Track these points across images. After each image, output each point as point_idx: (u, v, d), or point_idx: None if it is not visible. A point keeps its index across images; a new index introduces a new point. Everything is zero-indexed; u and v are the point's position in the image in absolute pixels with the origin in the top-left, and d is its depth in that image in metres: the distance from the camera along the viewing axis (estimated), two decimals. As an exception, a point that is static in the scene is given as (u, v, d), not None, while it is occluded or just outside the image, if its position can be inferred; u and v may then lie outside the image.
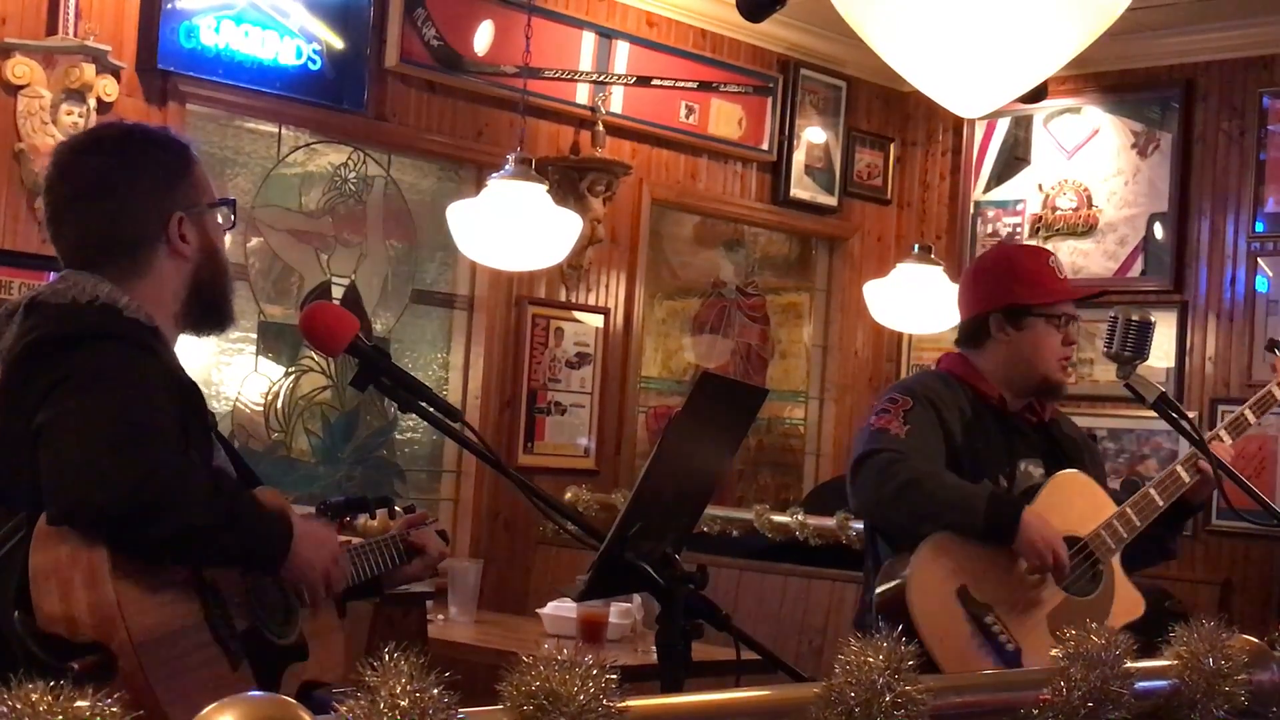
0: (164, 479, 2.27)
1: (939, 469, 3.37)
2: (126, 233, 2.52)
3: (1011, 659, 3.28)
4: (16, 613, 2.22)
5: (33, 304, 2.46)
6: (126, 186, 2.53)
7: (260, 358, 6.08)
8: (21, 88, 5.13)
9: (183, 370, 2.52)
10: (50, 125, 5.15)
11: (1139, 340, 3.46)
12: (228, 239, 2.72)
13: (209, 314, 2.63)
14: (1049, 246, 7.56)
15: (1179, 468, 3.47)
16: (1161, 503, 3.43)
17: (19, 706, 0.97)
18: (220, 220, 2.64)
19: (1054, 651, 1.76)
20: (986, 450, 3.46)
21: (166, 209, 2.53)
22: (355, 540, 2.82)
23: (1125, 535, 3.41)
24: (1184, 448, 6.88)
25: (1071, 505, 3.43)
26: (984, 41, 2.29)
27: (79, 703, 1.00)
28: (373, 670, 1.17)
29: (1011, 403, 3.55)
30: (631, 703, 1.30)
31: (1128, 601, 3.44)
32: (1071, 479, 3.48)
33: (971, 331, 3.59)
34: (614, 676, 1.31)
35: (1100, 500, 3.47)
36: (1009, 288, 3.53)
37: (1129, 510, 3.42)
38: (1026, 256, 3.75)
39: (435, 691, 1.17)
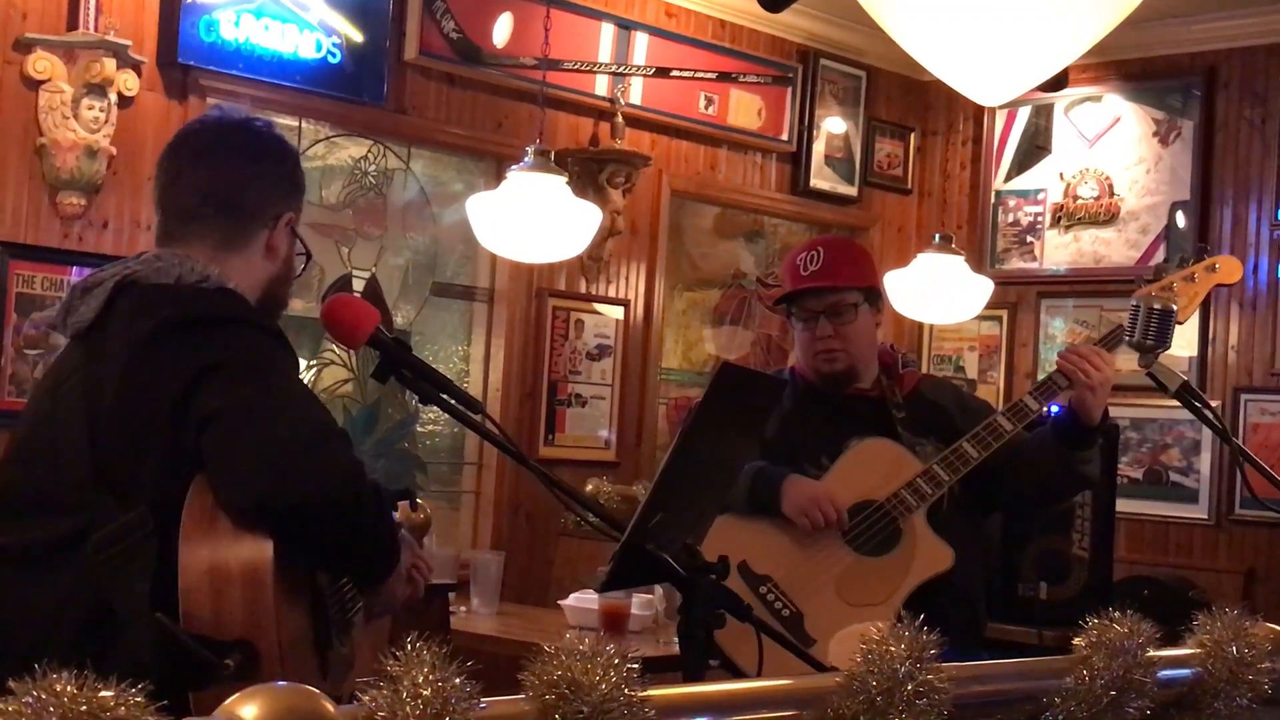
0: (355, 475, 2.22)
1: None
2: (250, 199, 2.47)
3: (790, 623, 3.37)
4: (158, 613, 2.10)
5: (126, 281, 2.35)
6: (271, 160, 2.52)
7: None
8: (43, 83, 5.15)
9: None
10: (71, 120, 5.16)
11: (1161, 329, 3.44)
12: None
13: None
14: (1070, 236, 7.59)
15: (999, 417, 3.47)
16: (976, 454, 3.43)
17: (44, 697, 0.98)
18: (295, 253, 2.57)
19: (1079, 640, 1.75)
20: (808, 437, 3.57)
21: (288, 203, 2.51)
22: None
23: (930, 491, 3.44)
24: (1208, 436, 6.89)
25: (871, 471, 3.49)
26: (1004, 30, 2.28)
27: (104, 693, 1.01)
28: (395, 660, 1.18)
29: (832, 388, 3.64)
30: (653, 692, 1.30)
31: (929, 557, 3.44)
32: (871, 446, 3.53)
33: None
34: (636, 666, 1.31)
35: (903, 463, 3.48)
36: (776, 295, 3.80)
37: (936, 467, 3.44)
38: (787, 256, 3.83)
39: (457, 681, 1.17)
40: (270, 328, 2.38)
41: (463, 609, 5.11)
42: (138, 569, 2.17)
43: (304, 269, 2.62)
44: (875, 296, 3.72)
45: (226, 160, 2.51)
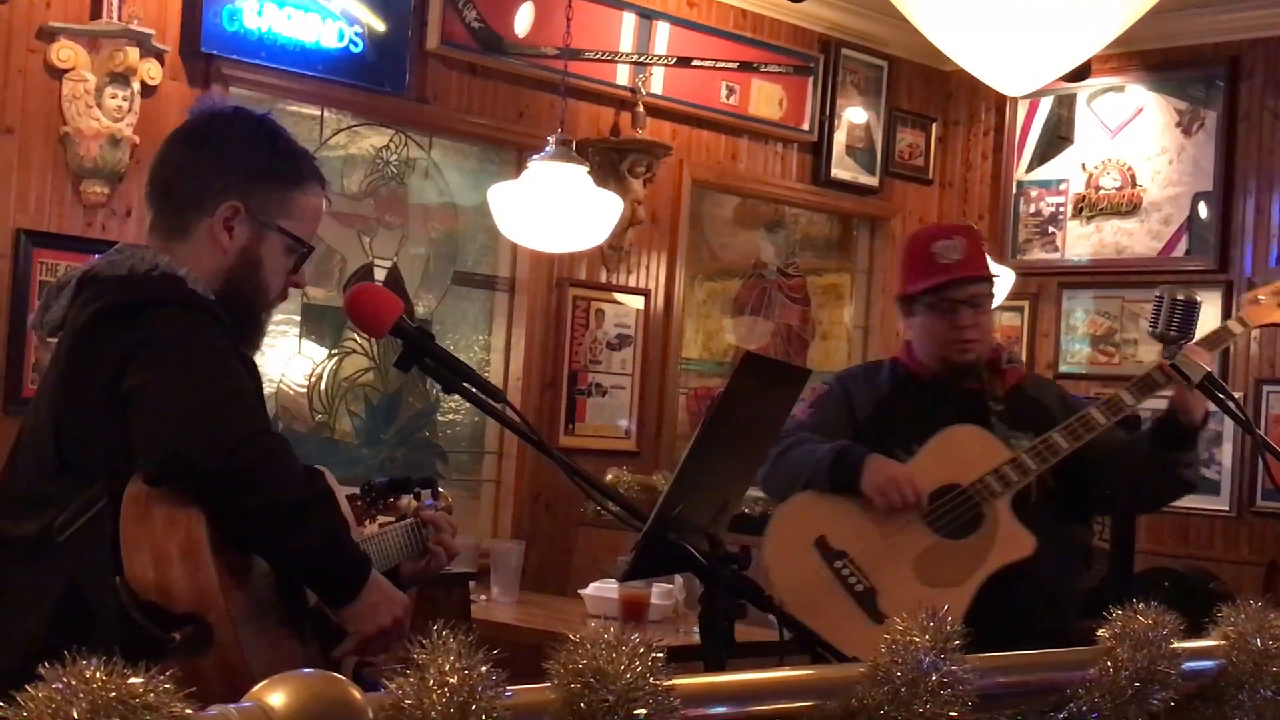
0: (263, 445, 2.25)
1: (810, 438, 3.53)
2: (182, 187, 2.49)
3: (864, 599, 3.39)
4: (118, 578, 2.18)
5: (87, 278, 2.42)
6: (208, 150, 2.51)
7: (304, 340, 6.11)
8: (66, 72, 5.17)
9: (242, 348, 2.51)
10: (95, 109, 5.17)
11: (1185, 320, 3.44)
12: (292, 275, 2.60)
13: (236, 324, 2.50)
14: (1092, 226, 7.56)
15: (1093, 409, 3.45)
16: (1066, 445, 3.42)
17: (74, 683, 0.98)
18: (283, 253, 2.53)
19: (1103, 632, 1.75)
20: (901, 424, 3.55)
21: (228, 193, 2.47)
22: (375, 528, 2.78)
23: (1016, 479, 3.42)
24: (1229, 427, 6.87)
25: (958, 456, 3.47)
26: (1028, 20, 2.27)
27: (132, 680, 1.01)
28: (421, 648, 1.18)
29: (940, 378, 3.61)
30: (678, 681, 1.30)
31: (1011, 542, 3.42)
32: (960, 434, 3.51)
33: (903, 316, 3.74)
34: (660, 655, 1.31)
35: (991, 450, 3.47)
36: (900, 278, 3.72)
37: (1024, 455, 3.42)
38: (911, 244, 3.81)
39: (484, 669, 1.17)
40: (201, 305, 2.39)
41: (483, 597, 5.12)
42: (96, 545, 2.23)
43: (299, 264, 2.57)
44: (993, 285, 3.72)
45: (170, 149, 2.55)
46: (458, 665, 1.16)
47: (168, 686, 1.02)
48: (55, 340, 2.46)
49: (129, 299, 2.36)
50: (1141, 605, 1.81)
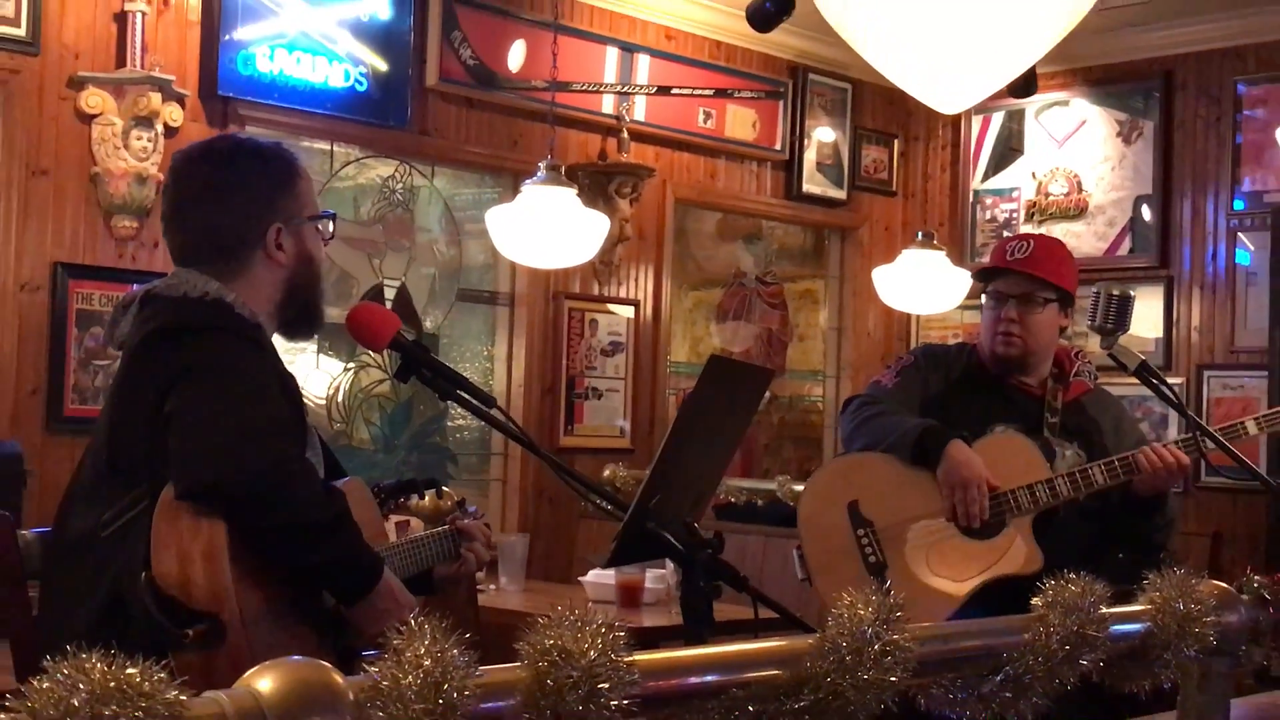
0: (286, 471, 2.29)
1: (900, 408, 3.46)
2: (227, 237, 2.52)
3: (874, 570, 3.34)
4: (144, 574, 2.22)
5: (148, 296, 2.48)
6: (230, 195, 2.53)
7: (321, 355, 6.12)
8: (95, 116, 5.18)
9: (282, 363, 2.54)
10: (122, 150, 5.18)
11: (1120, 313, 3.44)
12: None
13: (301, 318, 2.62)
14: (1043, 230, 7.55)
15: (1134, 456, 3.40)
16: (1101, 479, 3.37)
17: (74, 674, 0.99)
18: (320, 230, 2.62)
19: (1035, 600, 1.75)
20: (960, 408, 3.50)
21: (266, 219, 2.52)
22: (411, 535, 2.81)
23: (1046, 500, 3.37)
24: (1173, 415, 6.86)
25: (1001, 462, 3.41)
26: (958, 40, 2.28)
27: (129, 670, 1.02)
28: (398, 634, 1.19)
29: (1004, 375, 3.58)
30: (638, 657, 1.31)
31: (1020, 556, 3.38)
32: (1010, 440, 3.46)
33: None
34: (622, 634, 1.31)
35: (1034, 466, 3.42)
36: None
37: (1059, 480, 3.38)
38: (1001, 241, 3.86)
39: (454, 652, 1.18)
40: (244, 330, 2.43)
41: (491, 586, 5.12)
42: (135, 542, 2.26)
43: (331, 235, 2.66)
44: (1068, 301, 3.65)
45: (199, 207, 2.54)
46: (431, 648, 1.17)
47: (162, 676, 1.03)
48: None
49: (177, 322, 2.40)
50: (1073, 576, 1.81)
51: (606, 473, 6.35)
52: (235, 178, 2.56)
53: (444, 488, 3.30)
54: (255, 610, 2.26)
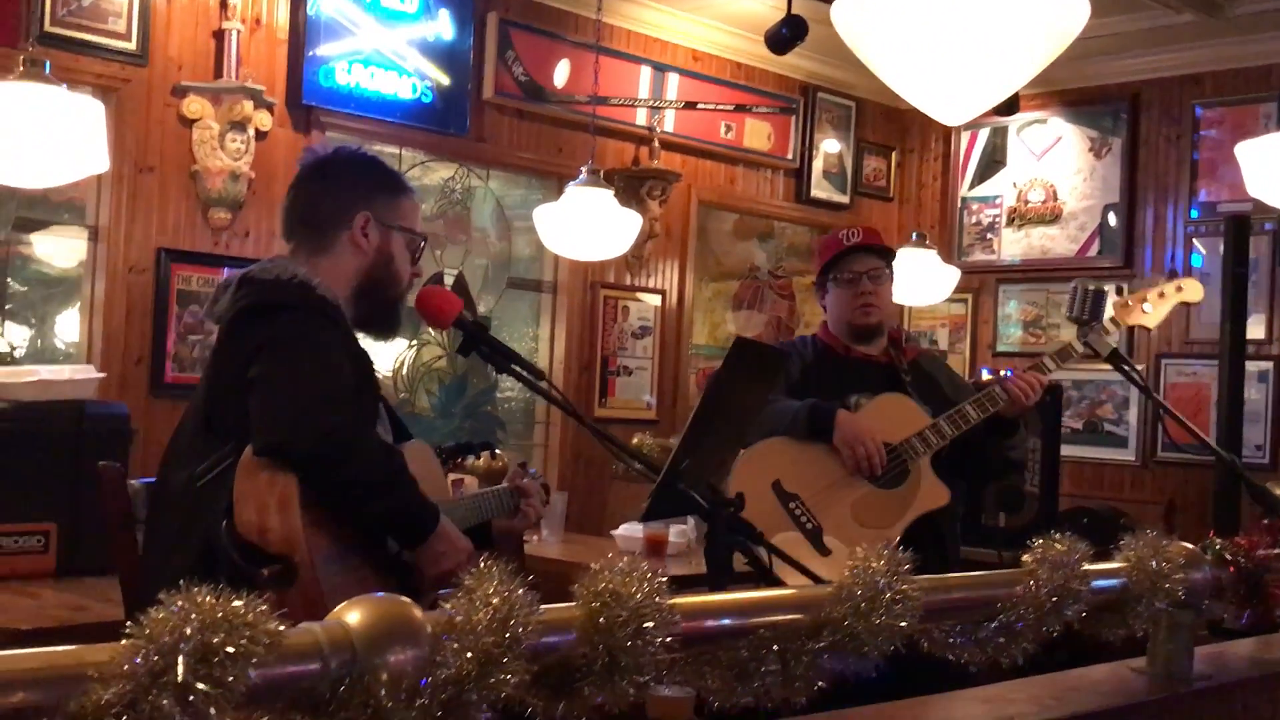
0: (350, 434, 2.28)
1: (779, 398, 3.41)
2: (321, 215, 2.52)
3: (812, 536, 3.30)
4: (225, 522, 2.23)
5: (245, 278, 2.48)
6: (335, 181, 2.55)
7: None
8: (195, 121, 5.17)
9: (357, 341, 2.52)
10: (219, 151, 5.18)
11: (1095, 306, 3.40)
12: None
13: (375, 315, 2.58)
14: (1022, 233, 7.51)
15: (995, 389, 3.37)
16: (975, 416, 3.34)
17: (186, 606, 0.98)
18: (405, 248, 2.58)
19: (1026, 557, 1.73)
20: (820, 388, 3.46)
21: (359, 205, 2.52)
22: (473, 490, 2.80)
23: (936, 441, 3.34)
24: (1135, 393, 6.82)
25: (888, 419, 3.38)
26: (961, 61, 2.25)
27: (235, 603, 1.00)
28: (470, 575, 1.17)
29: (854, 349, 3.55)
30: (679, 600, 1.29)
31: (931, 494, 3.35)
32: (890, 400, 3.42)
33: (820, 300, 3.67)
34: (664, 580, 1.30)
35: (916, 416, 3.39)
36: (817, 265, 3.63)
37: (942, 422, 3.35)
38: (828, 234, 3.78)
39: (520, 592, 1.16)
40: (323, 309, 2.42)
41: (535, 538, 5.11)
42: (223, 492, 2.26)
43: (420, 251, 2.63)
44: (892, 270, 3.65)
45: (299, 191, 2.57)
46: (500, 588, 1.15)
47: (263, 609, 1.02)
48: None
49: (266, 300, 2.40)
50: (1059, 535, 1.79)
51: (635, 440, 6.32)
52: (346, 168, 2.58)
53: (497, 450, 3.28)
54: (324, 554, 2.25)
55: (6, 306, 5.09)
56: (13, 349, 5.07)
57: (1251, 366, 6.20)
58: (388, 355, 6.09)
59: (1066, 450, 6.51)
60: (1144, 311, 3.50)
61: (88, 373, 4.26)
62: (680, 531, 4.85)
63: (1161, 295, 3.50)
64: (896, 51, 2.20)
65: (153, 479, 2.58)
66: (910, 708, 1.63)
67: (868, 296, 3.51)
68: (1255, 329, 6.43)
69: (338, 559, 2.28)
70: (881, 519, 3.33)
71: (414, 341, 6.23)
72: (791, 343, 3.76)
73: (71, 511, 3.87)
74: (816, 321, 7.99)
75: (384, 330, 2.65)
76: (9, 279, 5.08)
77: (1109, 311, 3.42)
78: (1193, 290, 3.53)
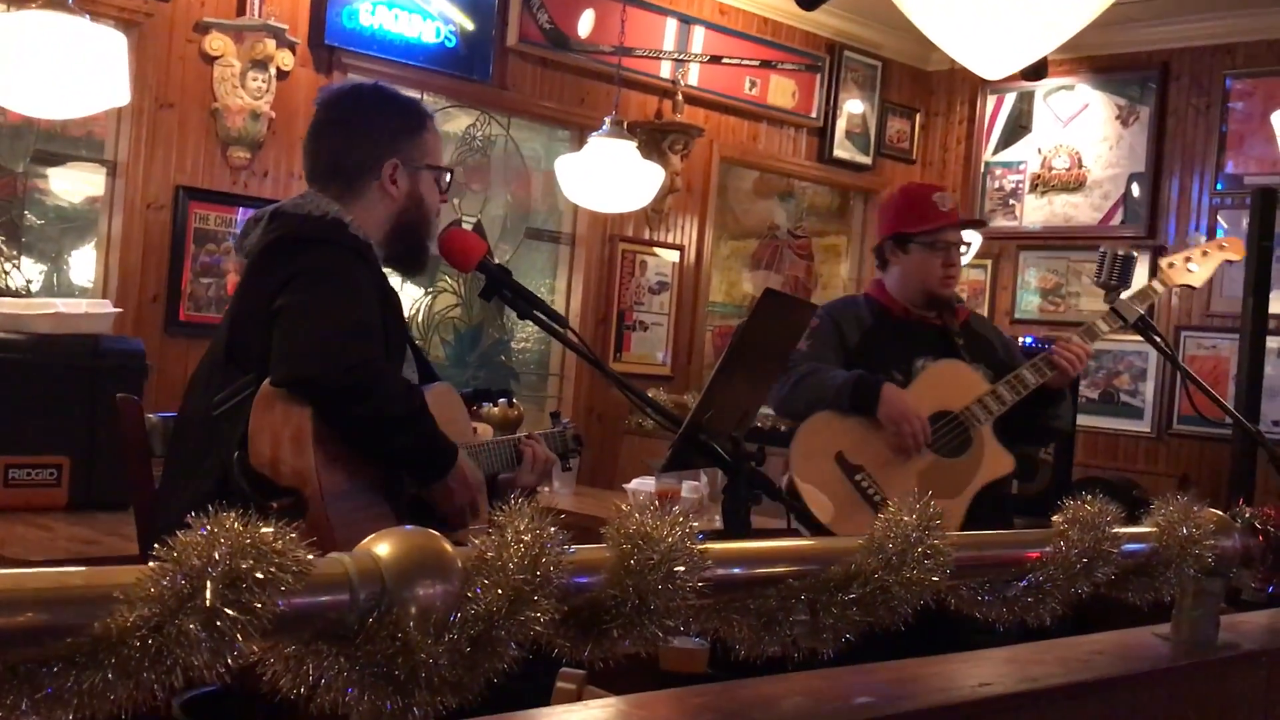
0: (371, 369, 2.25)
1: (823, 367, 3.36)
2: (349, 165, 2.49)
3: (880, 507, 3.21)
4: (238, 453, 2.22)
5: (277, 212, 2.46)
6: (359, 127, 2.51)
7: (405, 282, 6.08)
8: (217, 58, 5.13)
9: (386, 280, 2.50)
10: (240, 89, 5.13)
11: (1123, 272, 3.38)
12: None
13: (407, 254, 2.58)
14: (1045, 200, 7.45)
15: (1050, 356, 3.34)
16: (1033, 380, 3.31)
17: (216, 530, 0.96)
18: (433, 183, 2.56)
19: (1057, 518, 1.70)
20: (882, 351, 3.41)
21: (386, 154, 2.50)
22: (481, 440, 2.77)
23: (995, 409, 3.31)
24: (1152, 365, 6.78)
25: (946, 387, 3.34)
26: (1003, 14, 2.20)
27: (264, 529, 0.98)
28: (502, 512, 1.15)
29: (913, 312, 3.49)
30: (710, 545, 1.27)
31: (995, 461, 3.33)
32: (948, 366, 3.38)
33: (877, 257, 3.57)
34: (695, 525, 1.28)
35: (974, 382, 3.35)
36: (895, 221, 3.50)
37: (1001, 388, 3.31)
38: (913, 192, 3.63)
39: (552, 530, 1.14)
40: (354, 246, 2.40)
41: (547, 489, 5.09)
42: (241, 421, 2.26)
43: (448, 183, 2.61)
44: None
45: (322, 137, 2.53)
46: (531, 526, 1.13)
47: (293, 536, 1.00)
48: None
49: (296, 233, 2.38)
50: (1089, 497, 1.76)
51: (649, 395, 6.30)
52: (367, 114, 2.54)
53: (514, 399, 3.26)
54: (337, 490, 2.23)
55: (23, 240, 5.06)
56: (29, 284, 5.05)
57: (1272, 342, 6.14)
58: (404, 302, 6.05)
59: (1082, 420, 6.48)
60: (1189, 271, 3.48)
61: (104, 307, 4.24)
62: (693, 487, 4.82)
63: (1205, 254, 3.47)
64: (938, 1, 2.16)
65: (169, 414, 2.57)
66: (936, 663, 1.61)
67: (956, 269, 3.46)
68: (1277, 303, 6.37)
69: (349, 496, 2.27)
70: (948, 489, 3.27)
71: (429, 290, 6.20)
72: (841, 303, 3.67)
73: (85, 445, 3.86)
74: (834, 283, 8.00)
75: (414, 267, 2.63)
76: (26, 213, 5.05)
77: (1155, 274, 3.39)
78: (1235, 248, 3.51)
